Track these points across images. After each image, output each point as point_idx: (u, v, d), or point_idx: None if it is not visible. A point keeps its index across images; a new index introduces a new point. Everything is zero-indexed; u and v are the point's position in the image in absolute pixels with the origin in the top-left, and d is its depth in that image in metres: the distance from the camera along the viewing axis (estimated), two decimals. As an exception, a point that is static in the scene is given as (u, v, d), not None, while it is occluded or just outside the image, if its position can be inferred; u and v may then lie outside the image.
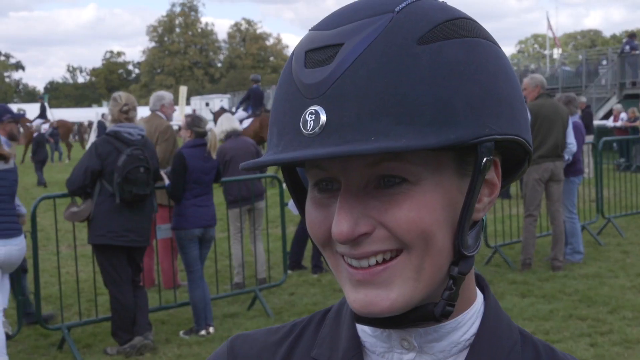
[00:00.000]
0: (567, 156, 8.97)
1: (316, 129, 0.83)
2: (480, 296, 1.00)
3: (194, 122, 7.07)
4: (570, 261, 9.47)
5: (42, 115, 32.24)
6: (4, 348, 6.04)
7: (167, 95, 9.12)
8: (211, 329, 7.11)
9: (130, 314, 6.58)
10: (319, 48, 0.86)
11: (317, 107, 0.83)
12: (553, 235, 9.20)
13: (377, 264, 0.87)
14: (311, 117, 0.83)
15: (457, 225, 0.88)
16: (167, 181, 6.98)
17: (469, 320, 0.96)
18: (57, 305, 7.87)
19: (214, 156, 7.05)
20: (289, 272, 9.25)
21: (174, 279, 8.54)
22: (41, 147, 22.92)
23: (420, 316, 0.90)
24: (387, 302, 0.86)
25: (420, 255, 0.86)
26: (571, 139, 8.97)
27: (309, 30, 0.91)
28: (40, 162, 22.59)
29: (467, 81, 0.85)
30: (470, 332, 0.96)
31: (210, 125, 7.46)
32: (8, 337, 6.52)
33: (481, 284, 1.02)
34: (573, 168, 9.48)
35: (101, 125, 25.27)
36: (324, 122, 0.82)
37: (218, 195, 7.87)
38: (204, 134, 7.01)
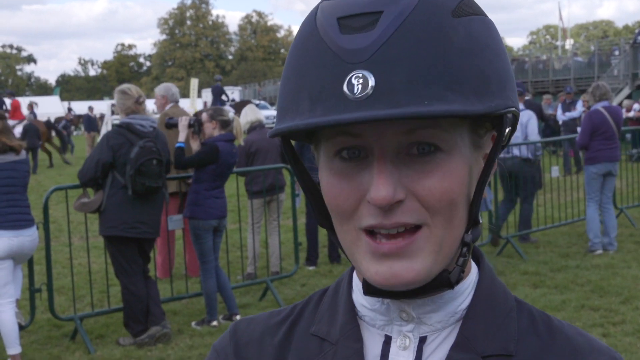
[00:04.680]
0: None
1: (364, 93, 0.83)
2: (475, 267, 1.02)
3: (217, 112, 7.10)
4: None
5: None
6: (17, 339, 6.07)
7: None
8: (238, 317, 7.12)
9: (142, 304, 6.60)
10: (355, 15, 0.87)
11: (364, 72, 0.83)
12: None
13: (404, 232, 0.88)
14: (358, 81, 0.83)
15: (474, 194, 0.92)
16: (181, 136, 6.97)
17: (465, 290, 0.98)
18: (69, 296, 7.90)
19: (242, 142, 7.12)
20: (311, 268, 9.30)
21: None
22: (29, 135, 23.04)
23: (438, 284, 0.92)
24: (412, 274, 0.88)
25: (443, 227, 0.89)
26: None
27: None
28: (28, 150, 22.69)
29: (495, 55, 0.90)
30: (467, 302, 0.98)
31: (231, 114, 7.46)
32: (21, 327, 6.55)
33: (476, 254, 1.04)
34: (586, 156, 9.60)
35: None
36: (373, 86, 0.83)
37: (229, 187, 7.87)
38: (229, 122, 7.03)
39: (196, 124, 7.02)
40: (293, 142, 1.02)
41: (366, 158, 0.89)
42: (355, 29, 0.85)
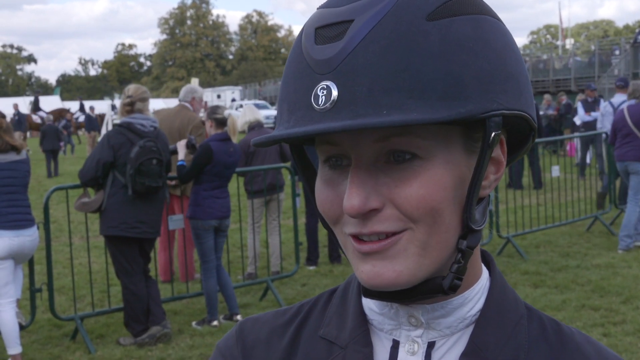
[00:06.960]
0: None
1: (328, 104, 0.83)
2: (485, 272, 1.01)
3: (212, 110, 7.13)
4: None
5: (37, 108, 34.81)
6: (17, 338, 6.07)
7: (199, 90, 9.12)
8: (239, 317, 7.12)
9: (142, 304, 6.60)
10: (329, 25, 0.87)
11: (328, 83, 0.83)
12: None
13: (386, 238, 0.87)
14: (322, 92, 0.84)
15: (465, 200, 0.89)
16: (180, 155, 6.95)
17: (475, 296, 0.97)
18: (70, 296, 7.91)
19: (235, 141, 7.10)
20: (311, 268, 9.31)
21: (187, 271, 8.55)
22: (47, 137, 22.71)
23: (429, 289, 0.90)
24: (393, 274, 0.87)
25: (426, 232, 0.87)
26: None
27: (318, 8, 0.92)
28: (47, 152, 22.50)
29: (476, 57, 0.85)
30: (477, 308, 0.97)
31: (228, 111, 7.46)
32: (21, 327, 6.56)
33: (487, 259, 1.03)
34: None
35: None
36: (336, 97, 0.83)
37: (232, 187, 7.87)
38: (224, 120, 7.04)
39: (192, 146, 7.02)
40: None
41: (348, 166, 0.89)
42: (327, 39, 0.86)
